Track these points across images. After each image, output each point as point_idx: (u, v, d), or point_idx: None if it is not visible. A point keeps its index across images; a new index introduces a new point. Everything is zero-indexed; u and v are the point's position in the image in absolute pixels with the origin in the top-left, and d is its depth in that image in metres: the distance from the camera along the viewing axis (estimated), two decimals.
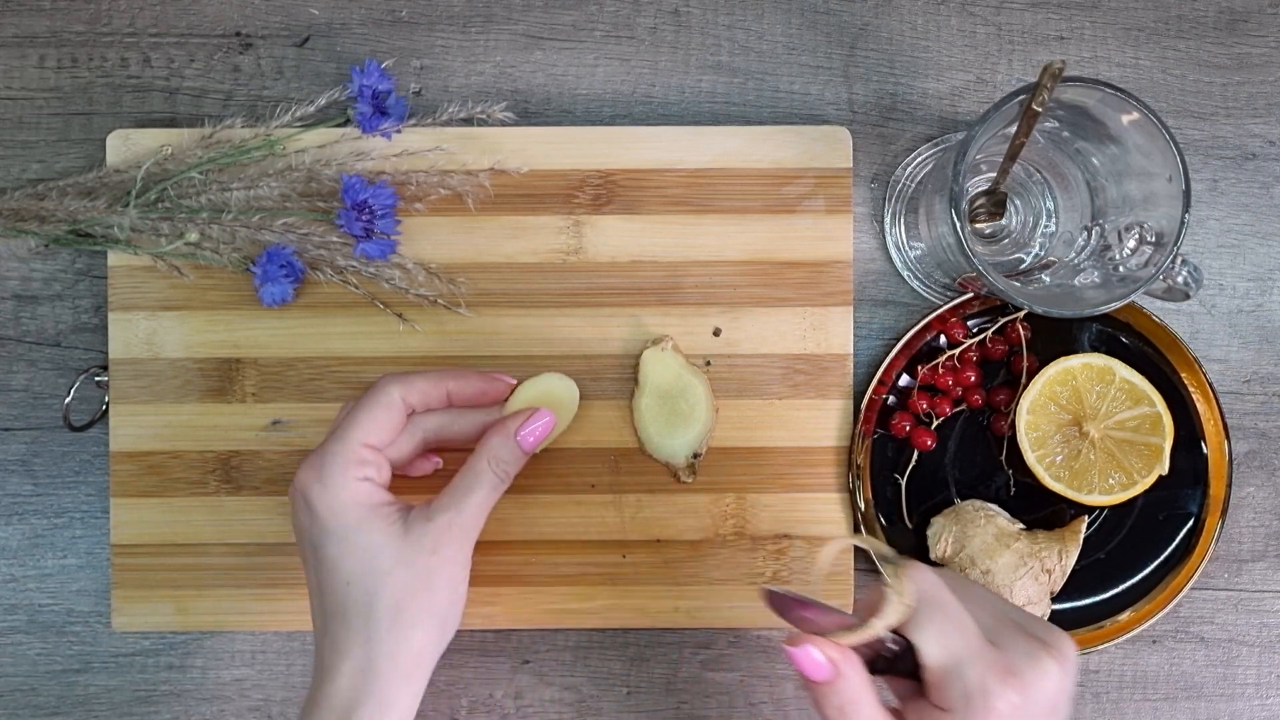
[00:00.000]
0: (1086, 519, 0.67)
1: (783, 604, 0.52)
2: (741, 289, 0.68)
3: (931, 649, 0.51)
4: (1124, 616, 0.68)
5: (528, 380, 0.65)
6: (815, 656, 0.50)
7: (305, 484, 0.58)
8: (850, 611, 0.54)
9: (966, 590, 0.54)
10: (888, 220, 0.69)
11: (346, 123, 0.67)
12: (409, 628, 0.57)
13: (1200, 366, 0.68)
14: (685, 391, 0.67)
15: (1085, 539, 0.67)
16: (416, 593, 0.57)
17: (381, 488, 0.60)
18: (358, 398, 0.61)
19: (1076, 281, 0.64)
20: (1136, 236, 0.61)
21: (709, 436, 0.67)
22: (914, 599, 0.51)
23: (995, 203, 0.67)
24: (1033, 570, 0.65)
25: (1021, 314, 0.68)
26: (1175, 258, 0.59)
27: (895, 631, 0.52)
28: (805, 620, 0.52)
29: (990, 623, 0.52)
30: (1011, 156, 0.61)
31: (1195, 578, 0.67)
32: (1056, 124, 0.63)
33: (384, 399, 0.60)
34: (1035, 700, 0.50)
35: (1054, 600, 0.67)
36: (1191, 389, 0.68)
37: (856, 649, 0.52)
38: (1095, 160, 0.64)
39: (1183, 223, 0.59)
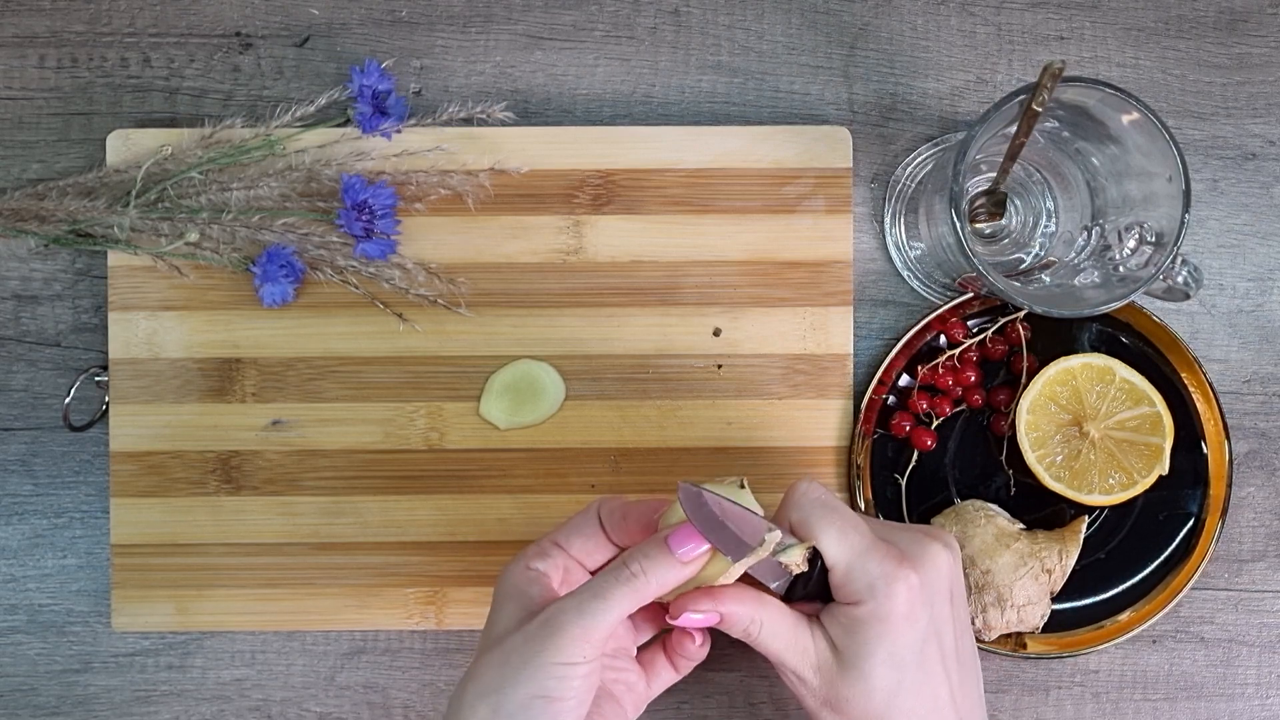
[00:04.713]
0: (1086, 519, 0.67)
1: (695, 505, 0.55)
2: (741, 289, 0.68)
3: (832, 547, 0.55)
4: (1124, 616, 0.68)
5: (504, 368, 0.67)
6: (694, 617, 0.55)
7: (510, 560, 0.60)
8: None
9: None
10: (888, 220, 0.69)
11: (346, 123, 0.67)
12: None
13: (1200, 366, 0.68)
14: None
15: (1085, 539, 0.67)
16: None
17: (544, 578, 0.58)
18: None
19: (1076, 281, 0.64)
20: (1136, 236, 0.61)
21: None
22: (804, 506, 0.56)
23: (995, 203, 0.67)
24: (1033, 570, 0.65)
25: (1021, 314, 0.68)
26: (1175, 258, 0.59)
27: (799, 538, 0.56)
28: (719, 530, 0.55)
29: (877, 526, 0.58)
30: (1011, 156, 0.62)
31: (1195, 578, 0.67)
32: (1056, 124, 0.63)
33: (586, 509, 0.60)
34: (931, 580, 0.56)
35: (1054, 600, 0.67)
36: (1191, 389, 0.68)
37: (768, 576, 0.56)
38: (1095, 160, 0.64)
39: (1183, 223, 0.59)
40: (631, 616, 0.57)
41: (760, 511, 0.56)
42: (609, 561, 0.60)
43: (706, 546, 0.55)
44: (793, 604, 0.57)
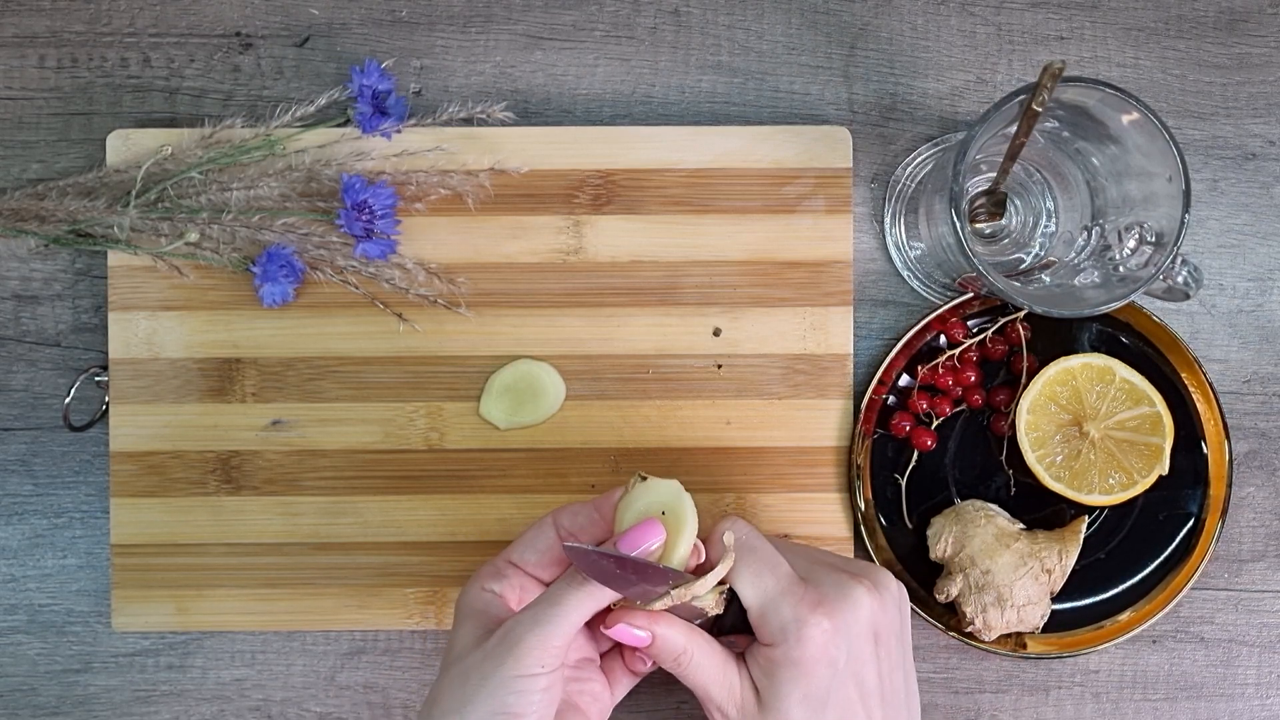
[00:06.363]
0: (1086, 519, 0.67)
1: (592, 564, 0.54)
2: (741, 289, 0.68)
3: (747, 590, 0.55)
4: (1124, 616, 0.68)
5: (504, 368, 0.67)
6: (631, 631, 0.55)
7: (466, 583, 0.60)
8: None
9: (783, 543, 0.59)
10: (888, 220, 0.69)
11: (346, 123, 0.67)
12: None
13: (1200, 366, 0.68)
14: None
15: (1085, 539, 0.67)
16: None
17: (500, 599, 0.58)
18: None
19: (1076, 281, 0.64)
20: (1136, 236, 0.61)
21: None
22: (730, 547, 0.55)
23: (995, 203, 0.67)
24: (1033, 570, 0.65)
25: (1021, 314, 0.68)
26: (1175, 258, 0.59)
27: (720, 582, 0.55)
28: (628, 579, 0.54)
29: (804, 565, 0.57)
30: (1011, 156, 0.62)
31: (1195, 578, 0.67)
32: (1056, 124, 0.63)
33: (540, 522, 0.60)
34: (846, 625, 0.55)
35: (1054, 600, 0.67)
36: (1191, 389, 0.68)
37: (688, 614, 0.55)
38: (1095, 160, 0.64)
39: (1183, 223, 0.59)
40: (591, 625, 0.56)
41: (688, 502, 0.55)
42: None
43: (659, 543, 0.55)
44: (719, 638, 0.57)
